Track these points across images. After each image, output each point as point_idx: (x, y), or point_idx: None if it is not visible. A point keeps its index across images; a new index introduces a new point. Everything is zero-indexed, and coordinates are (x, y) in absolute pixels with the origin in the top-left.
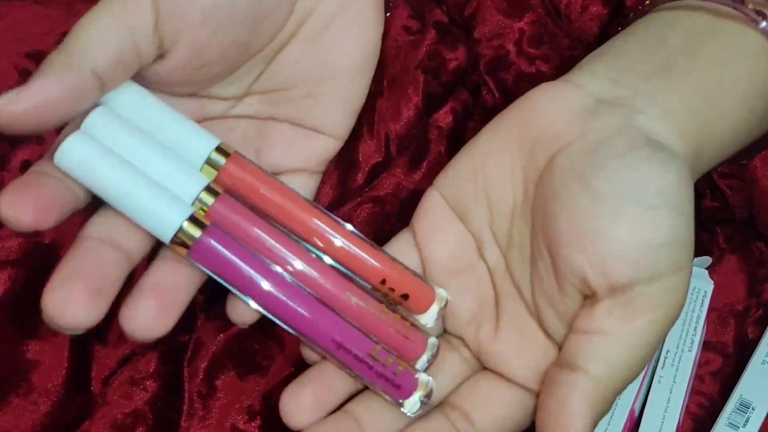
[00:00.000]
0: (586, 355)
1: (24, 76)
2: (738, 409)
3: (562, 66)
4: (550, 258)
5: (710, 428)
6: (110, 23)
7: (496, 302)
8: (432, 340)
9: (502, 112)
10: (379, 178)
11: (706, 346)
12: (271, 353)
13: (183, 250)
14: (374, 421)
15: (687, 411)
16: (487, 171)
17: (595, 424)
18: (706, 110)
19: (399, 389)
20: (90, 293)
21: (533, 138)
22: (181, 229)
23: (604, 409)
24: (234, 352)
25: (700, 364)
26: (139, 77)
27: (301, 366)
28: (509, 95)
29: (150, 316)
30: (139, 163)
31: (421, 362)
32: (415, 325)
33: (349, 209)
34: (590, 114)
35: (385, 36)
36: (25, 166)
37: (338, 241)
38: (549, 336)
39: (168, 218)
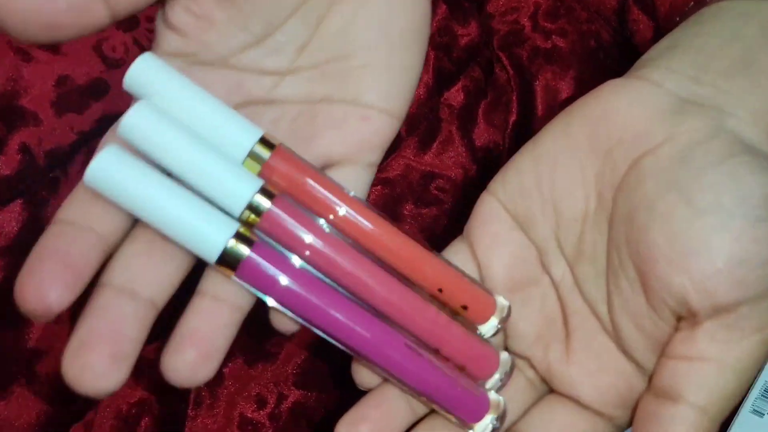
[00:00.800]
0: (689, 384)
1: (20, 54)
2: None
3: (579, 41)
4: (638, 275)
5: None
6: None
7: (564, 320)
8: (505, 355)
9: (566, 109)
10: (389, 160)
11: None
12: (280, 340)
13: (229, 272)
14: None
15: None
16: (554, 176)
17: None
18: None
19: (471, 409)
20: (110, 359)
21: (610, 141)
22: (226, 250)
23: None
24: (242, 338)
25: None
26: (169, 43)
27: (313, 352)
28: (524, 72)
29: (191, 365)
30: (180, 167)
31: (493, 382)
32: (486, 340)
33: None
34: (676, 115)
35: None
36: (23, 148)
37: (394, 245)
38: (630, 357)
39: (211, 237)
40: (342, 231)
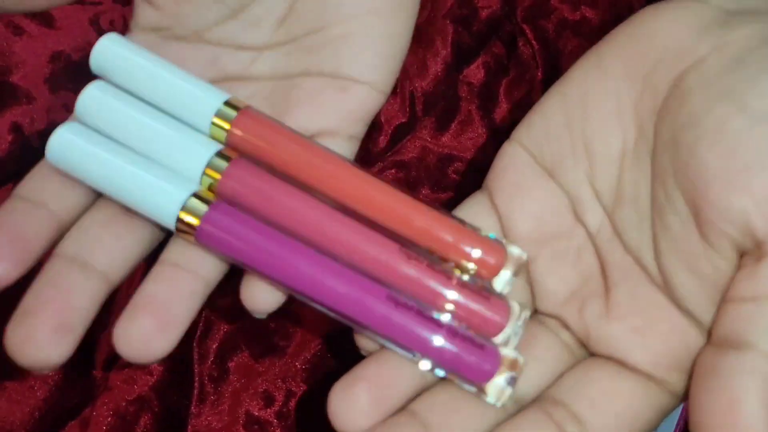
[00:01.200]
0: (756, 327)
1: (11, 28)
2: None
3: (611, 11)
4: (688, 206)
5: None
6: None
7: (603, 273)
8: (516, 306)
9: (597, 44)
10: (404, 141)
11: None
12: (288, 332)
13: (189, 236)
14: (448, 424)
15: None
16: (586, 112)
17: None
18: None
19: (477, 366)
20: (53, 330)
21: (648, 63)
22: (184, 209)
23: None
24: (248, 332)
25: None
26: (145, 17)
27: (325, 345)
28: (549, 46)
29: (146, 335)
30: (137, 140)
31: (504, 335)
32: (492, 290)
33: None
34: (723, 27)
35: None
36: (15, 128)
37: (381, 200)
38: (685, 310)
39: (167, 200)
40: (321, 189)
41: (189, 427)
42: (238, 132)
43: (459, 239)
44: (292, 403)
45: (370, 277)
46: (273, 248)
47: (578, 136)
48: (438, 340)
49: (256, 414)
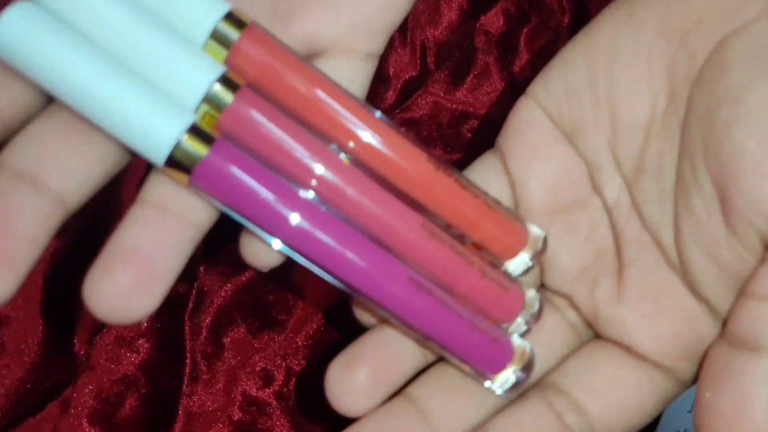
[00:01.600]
0: None
1: None
2: None
3: None
4: (715, 189)
5: None
6: None
7: (618, 250)
8: (531, 293)
9: None
10: (414, 97)
11: None
12: (289, 305)
13: (183, 176)
14: (446, 411)
15: None
16: (613, 70)
17: None
18: None
19: (489, 358)
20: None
21: (687, 21)
22: (178, 146)
23: None
24: (244, 304)
25: None
26: None
27: (329, 319)
28: None
29: (124, 291)
30: (117, 42)
31: (516, 326)
32: (508, 275)
33: None
34: None
35: None
36: None
37: (396, 157)
38: (700, 297)
39: (158, 130)
40: (331, 136)
41: (180, 408)
42: (239, 59)
43: (480, 216)
44: (293, 383)
45: (390, 251)
46: (288, 209)
47: (602, 96)
48: (455, 331)
49: (254, 394)
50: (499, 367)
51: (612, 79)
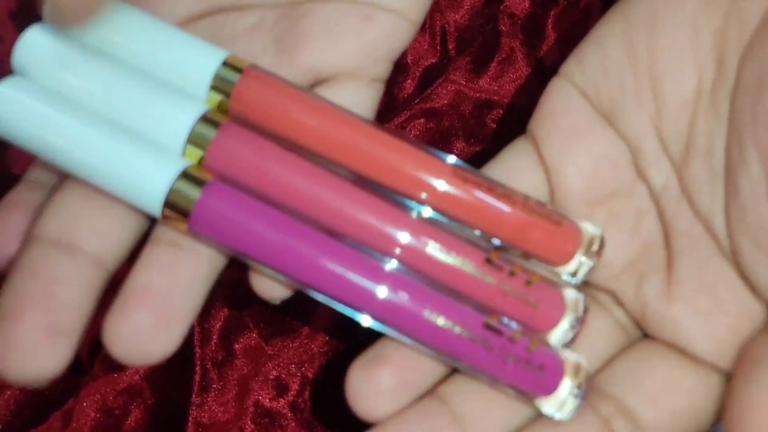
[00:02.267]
0: None
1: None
2: None
3: None
4: (763, 170)
5: None
6: None
7: (667, 242)
8: (571, 294)
9: None
10: (434, 85)
11: None
12: (304, 309)
13: (182, 224)
14: (480, 414)
15: None
16: (654, 43)
17: None
18: None
19: (540, 379)
20: (44, 334)
21: None
22: (171, 193)
23: None
24: (256, 308)
25: None
26: None
27: (346, 325)
28: None
29: (142, 333)
30: (101, 98)
31: (558, 334)
32: (545, 277)
33: (395, 126)
34: None
35: None
36: None
37: (423, 175)
38: (755, 289)
39: (150, 182)
40: (345, 163)
41: (189, 420)
42: (242, 101)
43: (519, 223)
44: (308, 393)
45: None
46: (296, 244)
47: (644, 72)
48: (507, 370)
49: (267, 405)
50: (552, 387)
51: (653, 53)
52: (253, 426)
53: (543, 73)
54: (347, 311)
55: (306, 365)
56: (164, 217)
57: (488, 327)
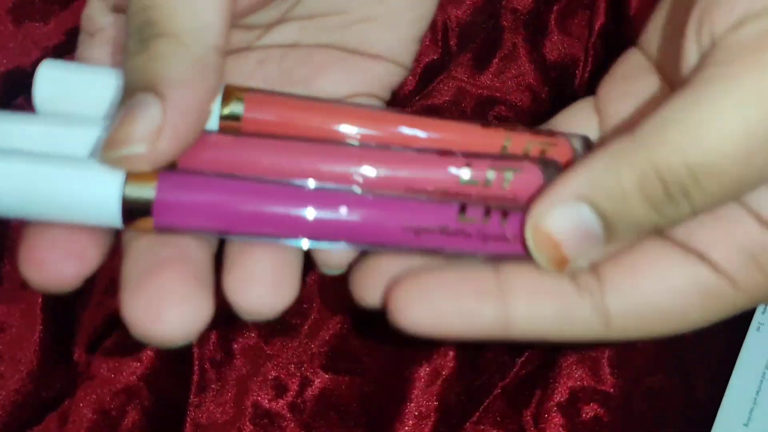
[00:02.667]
0: None
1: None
2: None
3: None
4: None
5: None
6: None
7: None
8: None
9: None
10: (436, 82)
11: None
12: (302, 308)
13: (148, 225)
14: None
15: None
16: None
17: None
18: None
19: (517, 245)
20: (194, 281)
21: None
22: (125, 198)
23: None
24: None
25: None
26: None
27: (346, 325)
28: None
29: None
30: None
31: None
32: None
33: None
34: None
35: None
36: None
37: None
38: None
39: (100, 196)
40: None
41: (187, 420)
42: (252, 123)
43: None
44: (309, 393)
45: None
46: (270, 201)
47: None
48: (487, 247)
49: (266, 405)
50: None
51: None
52: (251, 427)
53: (545, 69)
54: (340, 245)
55: (305, 366)
56: (127, 222)
57: (462, 219)
